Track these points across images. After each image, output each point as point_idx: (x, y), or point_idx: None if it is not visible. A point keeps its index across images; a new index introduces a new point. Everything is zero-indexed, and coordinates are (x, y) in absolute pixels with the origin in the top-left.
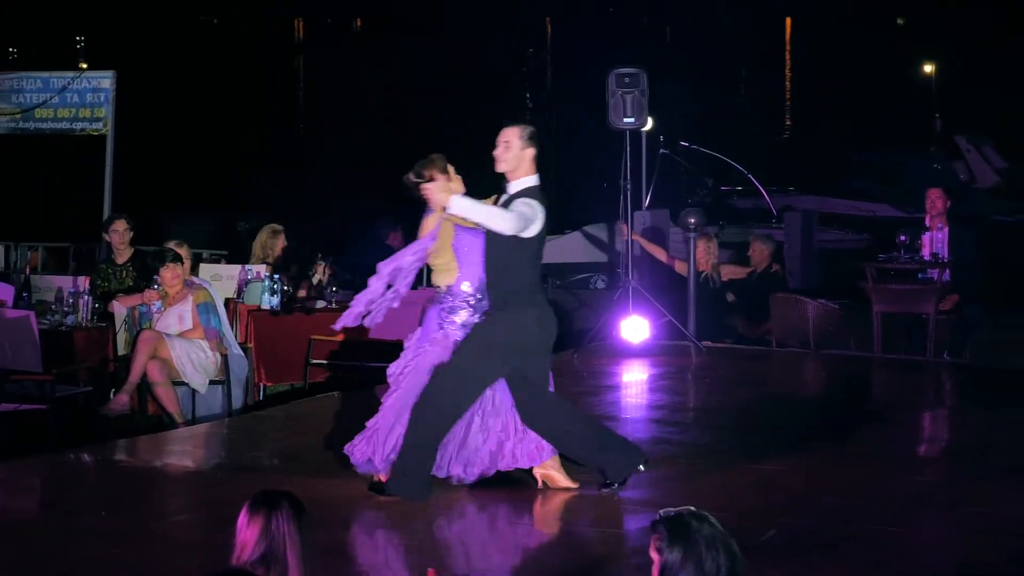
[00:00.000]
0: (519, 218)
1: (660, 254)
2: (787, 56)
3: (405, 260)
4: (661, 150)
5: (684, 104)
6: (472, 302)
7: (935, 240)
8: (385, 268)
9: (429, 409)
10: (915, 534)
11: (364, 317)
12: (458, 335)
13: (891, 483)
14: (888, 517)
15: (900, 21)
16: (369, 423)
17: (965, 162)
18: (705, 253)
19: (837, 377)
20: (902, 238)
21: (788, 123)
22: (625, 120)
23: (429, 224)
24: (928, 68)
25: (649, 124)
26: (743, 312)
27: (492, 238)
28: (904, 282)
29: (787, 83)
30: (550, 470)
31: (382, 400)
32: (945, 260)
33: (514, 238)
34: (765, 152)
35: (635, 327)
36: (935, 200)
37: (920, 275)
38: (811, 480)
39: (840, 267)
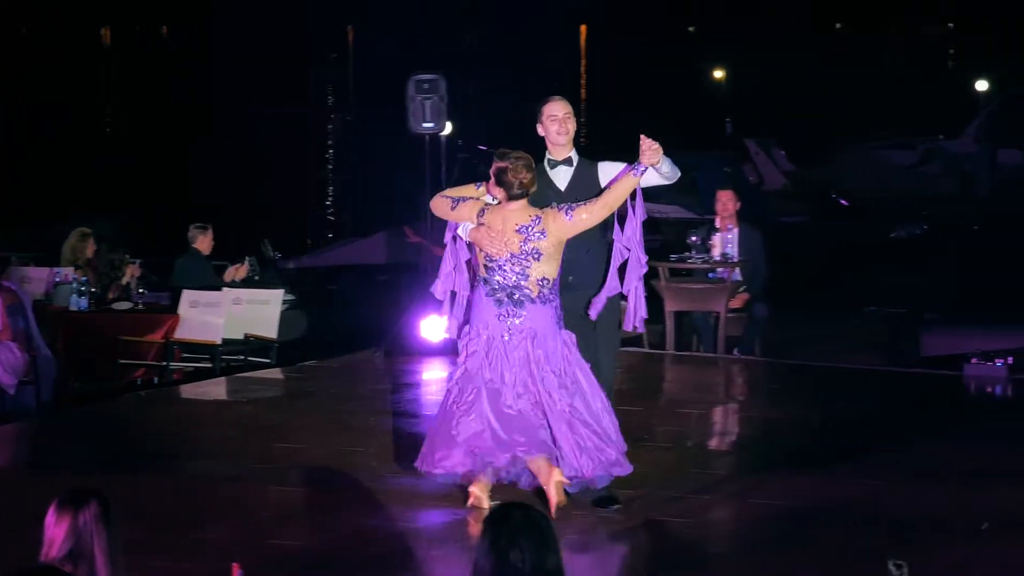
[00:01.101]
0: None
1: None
2: (583, 62)
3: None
4: (460, 154)
5: (484, 109)
6: (554, 296)
7: (725, 240)
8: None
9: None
10: (704, 524)
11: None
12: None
13: (683, 475)
14: (680, 509)
15: (691, 29)
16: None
17: (754, 164)
18: None
19: (632, 373)
20: (693, 238)
21: (584, 123)
22: (425, 124)
23: (471, 207)
24: (719, 74)
25: (448, 128)
26: None
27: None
28: (695, 281)
29: (582, 88)
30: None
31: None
32: (735, 260)
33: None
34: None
35: (435, 326)
36: (725, 202)
37: (711, 274)
38: None
39: None
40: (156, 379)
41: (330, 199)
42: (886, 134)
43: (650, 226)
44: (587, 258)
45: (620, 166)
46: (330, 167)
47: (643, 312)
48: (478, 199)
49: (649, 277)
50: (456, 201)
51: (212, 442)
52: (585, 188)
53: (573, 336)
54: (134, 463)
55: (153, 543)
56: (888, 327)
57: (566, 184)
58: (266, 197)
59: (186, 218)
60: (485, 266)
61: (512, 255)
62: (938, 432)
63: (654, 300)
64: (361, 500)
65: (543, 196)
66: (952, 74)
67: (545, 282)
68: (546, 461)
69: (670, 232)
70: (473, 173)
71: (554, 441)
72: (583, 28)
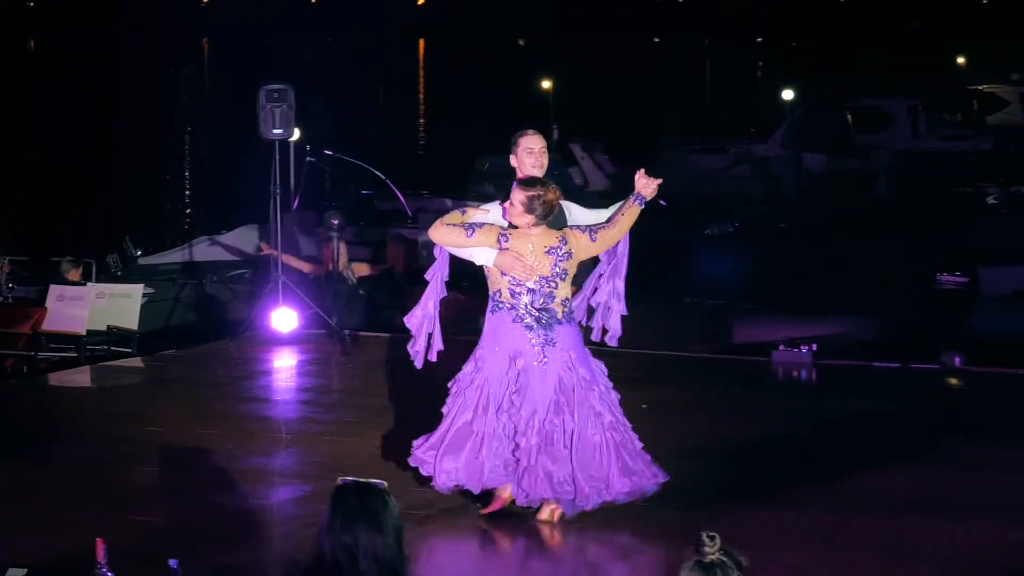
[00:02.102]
0: None
1: (302, 266)
2: (421, 73)
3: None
4: (308, 158)
5: (330, 117)
6: (574, 316)
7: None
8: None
9: None
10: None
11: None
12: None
13: None
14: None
15: (521, 43)
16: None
17: (580, 167)
18: (341, 254)
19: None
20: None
21: (422, 133)
22: (274, 131)
23: (489, 233)
24: (546, 84)
25: (296, 134)
26: (378, 304)
27: None
28: None
29: (421, 96)
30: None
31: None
32: None
33: None
34: (402, 159)
35: (284, 318)
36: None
37: None
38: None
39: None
40: (25, 368)
41: (188, 200)
42: (700, 139)
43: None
44: None
45: (584, 209)
46: (187, 171)
47: (615, 330)
48: (492, 224)
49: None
50: (471, 229)
51: (79, 427)
52: (554, 222)
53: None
54: (4, 448)
55: (23, 524)
56: (704, 317)
57: None
58: (128, 198)
59: (55, 217)
60: (511, 291)
61: (542, 278)
62: (747, 412)
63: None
64: (217, 479)
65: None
66: (760, 84)
67: (567, 302)
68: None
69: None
70: (319, 176)
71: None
72: (421, 41)
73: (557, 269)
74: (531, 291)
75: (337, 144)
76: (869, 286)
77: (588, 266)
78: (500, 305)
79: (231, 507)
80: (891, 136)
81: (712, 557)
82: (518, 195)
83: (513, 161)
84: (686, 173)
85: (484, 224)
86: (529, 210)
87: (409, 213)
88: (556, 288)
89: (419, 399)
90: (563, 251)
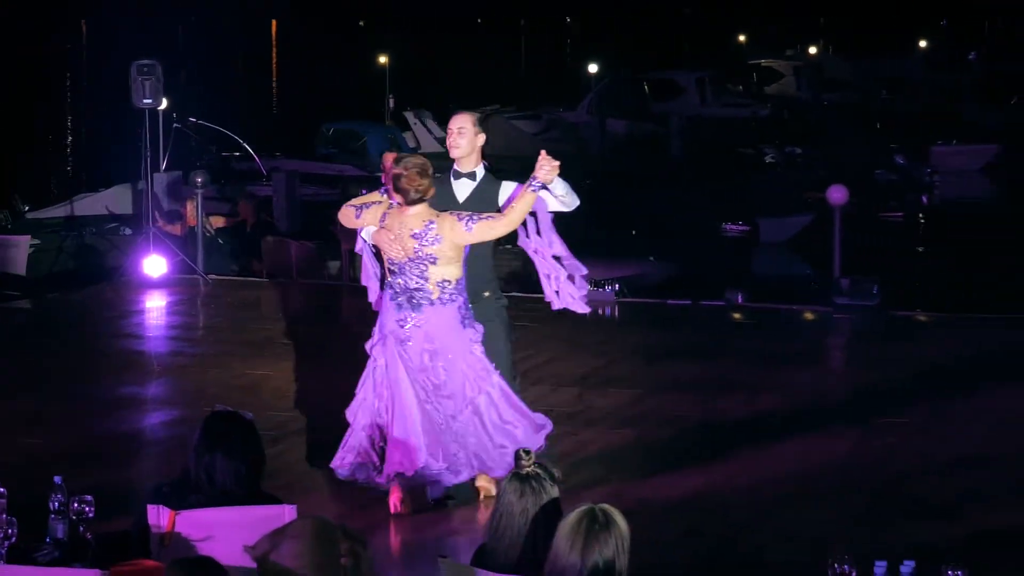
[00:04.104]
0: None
1: (174, 230)
2: (274, 50)
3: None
4: (175, 124)
5: (195, 88)
6: (457, 295)
7: (391, 193)
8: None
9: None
10: None
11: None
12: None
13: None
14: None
15: (361, 23)
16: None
17: (413, 132)
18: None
19: (319, 302)
20: (364, 191)
21: (275, 101)
22: (144, 101)
23: (375, 212)
24: (383, 59)
25: (164, 104)
26: (236, 253)
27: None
28: None
29: (274, 70)
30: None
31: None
32: None
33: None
34: (257, 126)
35: (155, 264)
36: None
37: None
38: (299, 380)
39: (317, 215)
40: None
41: (69, 161)
42: (517, 107)
43: (331, 181)
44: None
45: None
46: (68, 136)
47: (572, 291)
48: (382, 202)
49: (327, 222)
50: (359, 209)
51: None
52: (483, 203)
53: (481, 329)
54: None
55: None
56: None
57: (465, 196)
58: (15, 158)
59: None
60: (389, 270)
61: (409, 259)
62: (554, 346)
63: (334, 241)
64: (97, 407)
65: (443, 205)
66: (568, 59)
67: (446, 284)
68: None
69: (345, 186)
70: (185, 142)
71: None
72: (274, 23)
73: (423, 252)
74: (402, 271)
75: (200, 112)
76: (664, 234)
77: None
78: (386, 283)
79: (109, 431)
80: (682, 104)
81: (528, 470)
82: (391, 172)
83: None
84: (505, 137)
85: (373, 204)
86: (396, 189)
87: (264, 172)
88: (426, 270)
89: (271, 333)
90: (429, 236)
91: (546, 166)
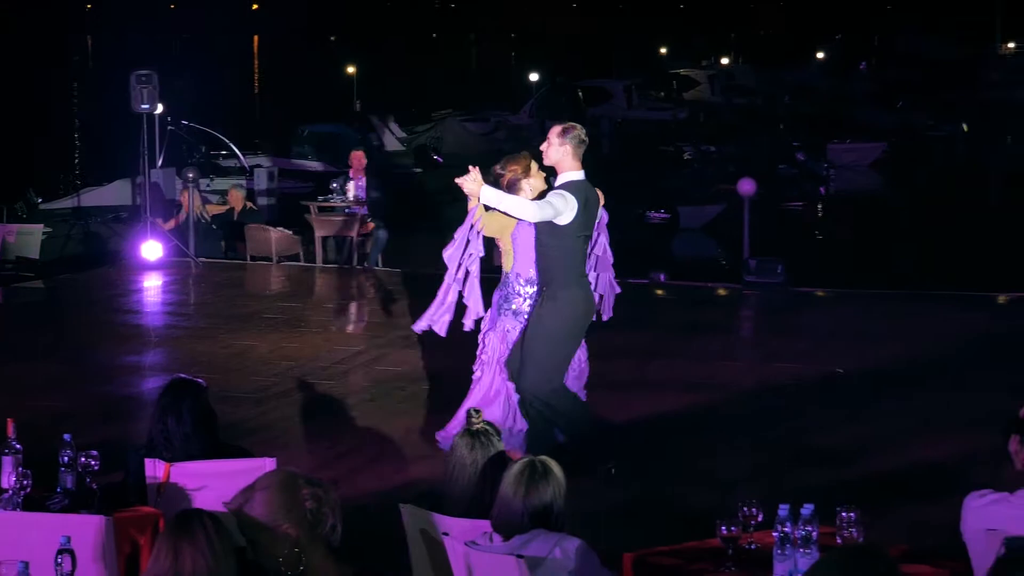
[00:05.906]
0: (543, 207)
1: (168, 225)
2: (255, 61)
3: (451, 248)
4: (169, 127)
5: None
6: (522, 291)
7: (357, 186)
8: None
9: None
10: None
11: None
12: (512, 322)
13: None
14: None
15: (332, 38)
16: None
17: (377, 133)
18: (195, 199)
19: (292, 281)
20: (334, 185)
21: (257, 106)
22: (142, 106)
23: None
24: (351, 69)
25: (160, 109)
26: (227, 238)
27: (538, 228)
28: (336, 215)
29: (256, 79)
30: None
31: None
32: (363, 200)
33: (551, 226)
34: (242, 128)
35: (151, 249)
36: (358, 159)
37: (347, 210)
38: (279, 350)
39: (294, 206)
40: None
41: (77, 159)
42: (468, 111)
43: (304, 176)
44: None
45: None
46: (76, 137)
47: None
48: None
49: (303, 212)
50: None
51: None
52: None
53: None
54: None
55: None
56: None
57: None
58: (30, 157)
59: None
60: None
61: None
62: None
63: (308, 229)
64: (101, 374)
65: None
66: (513, 69)
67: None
68: None
69: (318, 180)
70: (178, 142)
71: None
72: (256, 38)
73: None
74: None
75: (193, 116)
76: None
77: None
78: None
79: (112, 394)
80: (611, 108)
81: (477, 426)
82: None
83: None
84: (458, 138)
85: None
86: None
87: (247, 168)
88: None
89: (254, 309)
90: None
91: (464, 184)
